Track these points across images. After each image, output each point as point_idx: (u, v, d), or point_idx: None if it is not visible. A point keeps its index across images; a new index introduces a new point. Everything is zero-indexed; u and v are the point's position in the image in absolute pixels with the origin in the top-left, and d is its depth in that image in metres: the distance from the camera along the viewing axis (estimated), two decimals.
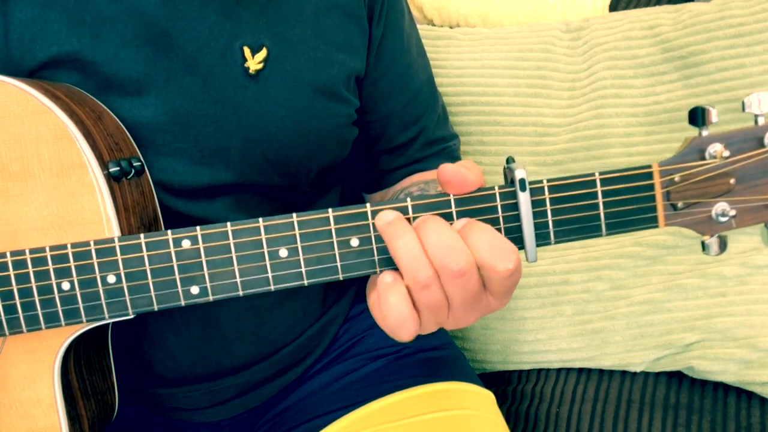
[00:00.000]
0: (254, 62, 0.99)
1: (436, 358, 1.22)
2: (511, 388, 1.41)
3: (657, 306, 1.35)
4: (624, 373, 1.37)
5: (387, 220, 0.78)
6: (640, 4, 1.65)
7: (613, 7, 1.65)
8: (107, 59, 0.93)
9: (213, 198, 1.02)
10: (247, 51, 0.99)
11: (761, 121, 0.77)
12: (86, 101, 0.89)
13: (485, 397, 1.19)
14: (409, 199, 0.79)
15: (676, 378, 1.34)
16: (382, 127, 1.23)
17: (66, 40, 0.92)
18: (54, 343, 0.85)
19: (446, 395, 1.15)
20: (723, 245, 0.80)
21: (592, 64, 1.52)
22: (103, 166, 0.84)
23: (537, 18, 1.66)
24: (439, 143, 1.30)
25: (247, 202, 1.05)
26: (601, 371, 1.39)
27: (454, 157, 1.31)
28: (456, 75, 1.55)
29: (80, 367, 0.89)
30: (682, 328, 1.33)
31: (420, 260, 0.75)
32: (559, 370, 1.42)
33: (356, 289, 1.30)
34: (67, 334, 0.85)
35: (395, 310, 0.77)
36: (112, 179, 0.85)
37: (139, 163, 0.90)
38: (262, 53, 1.00)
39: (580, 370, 1.40)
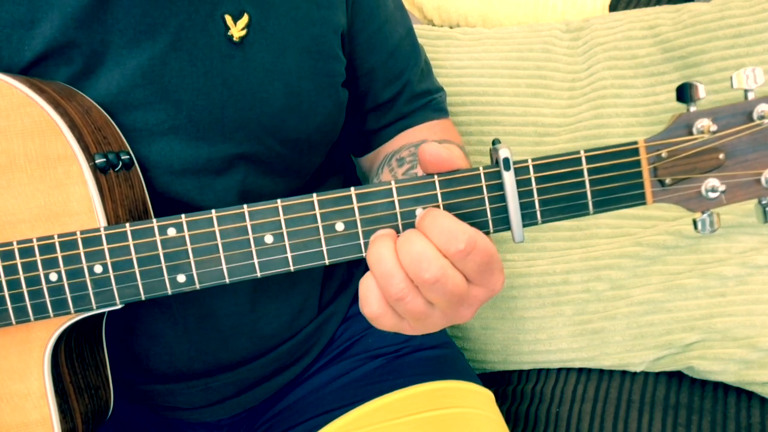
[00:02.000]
0: (237, 29, 0.99)
1: (435, 357, 1.22)
2: (511, 388, 1.41)
3: (657, 306, 1.34)
4: (624, 373, 1.37)
5: (373, 238, 0.78)
6: (640, 4, 1.64)
7: (613, 7, 1.65)
8: (93, 44, 0.93)
9: (215, 176, 1.02)
10: (228, 19, 0.98)
11: (751, 96, 0.77)
12: (75, 97, 0.90)
13: (484, 396, 1.19)
14: (393, 182, 0.78)
15: (676, 378, 1.34)
16: (367, 84, 1.22)
17: (55, 34, 0.92)
18: (43, 335, 0.86)
19: (445, 394, 1.15)
20: (714, 222, 0.79)
21: (592, 64, 1.52)
22: (89, 157, 0.84)
23: (537, 18, 1.66)
24: (424, 96, 1.28)
25: (251, 182, 1.05)
26: (601, 371, 1.38)
27: (440, 109, 1.30)
28: (456, 75, 1.55)
29: (72, 360, 0.90)
30: (682, 328, 1.32)
31: (391, 274, 0.75)
32: (559, 370, 1.41)
33: (354, 287, 1.30)
34: (56, 326, 0.85)
35: (366, 300, 0.77)
36: (98, 170, 0.85)
37: (128, 157, 0.90)
38: (244, 19, 0.99)
39: (580, 370, 1.40)
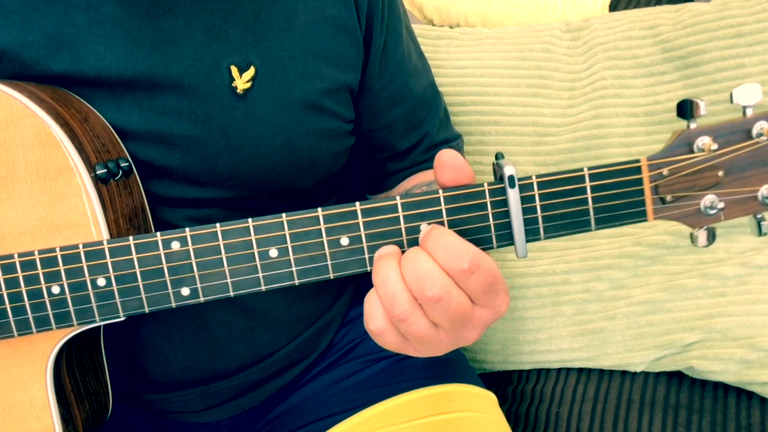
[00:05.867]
0: (242, 81, 0.98)
1: (438, 359, 1.21)
2: (511, 388, 1.41)
3: (657, 306, 1.34)
4: (624, 373, 1.37)
5: (378, 255, 0.78)
6: (640, 4, 1.64)
7: (613, 7, 1.65)
8: (88, 80, 0.92)
9: (201, 208, 1.02)
10: (234, 70, 0.97)
11: (749, 112, 0.77)
12: (72, 102, 0.89)
13: (487, 399, 1.19)
14: (398, 198, 0.78)
15: (676, 378, 1.34)
16: (385, 136, 1.22)
17: (44, 64, 0.91)
18: (45, 347, 0.85)
19: (448, 397, 1.14)
20: (711, 237, 0.80)
21: (592, 64, 1.51)
22: (90, 168, 0.84)
23: (537, 18, 1.66)
24: (442, 144, 1.29)
25: (238, 213, 1.04)
26: (601, 371, 1.38)
27: None
28: (456, 75, 1.54)
29: (72, 369, 0.90)
30: (682, 328, 1.32)
31: (395, 296, 0.75)
32: (559, 370, 1.41)
33: (354, 291, 1.30)
34: (58, 337, 0.85)
35: (371, 316, 0.78)
36: (99, 181, 0.84)
37: (127, 164, 0.90)
38: (250, 72, 0.98)
39: (580, 370, 1.40)
